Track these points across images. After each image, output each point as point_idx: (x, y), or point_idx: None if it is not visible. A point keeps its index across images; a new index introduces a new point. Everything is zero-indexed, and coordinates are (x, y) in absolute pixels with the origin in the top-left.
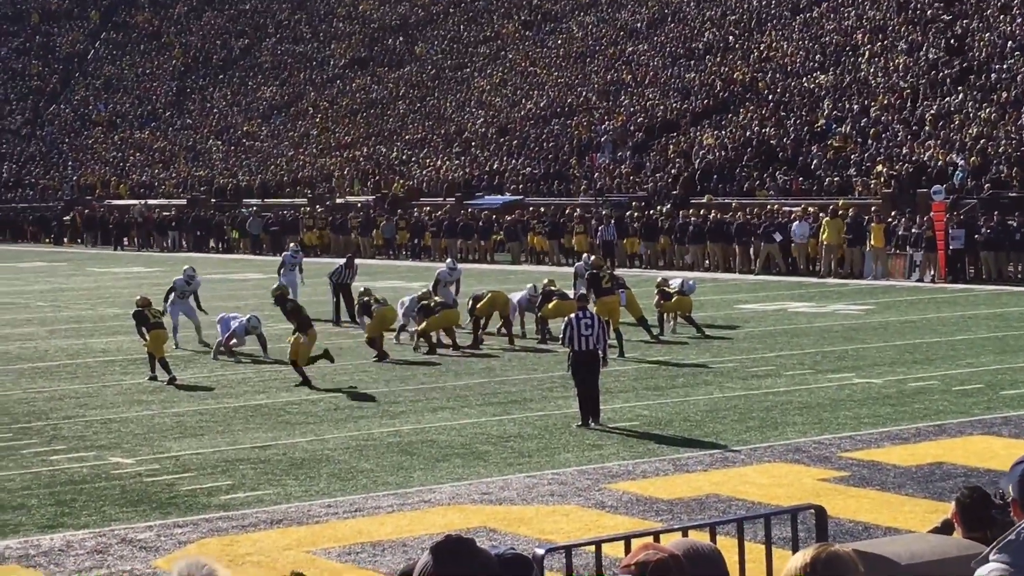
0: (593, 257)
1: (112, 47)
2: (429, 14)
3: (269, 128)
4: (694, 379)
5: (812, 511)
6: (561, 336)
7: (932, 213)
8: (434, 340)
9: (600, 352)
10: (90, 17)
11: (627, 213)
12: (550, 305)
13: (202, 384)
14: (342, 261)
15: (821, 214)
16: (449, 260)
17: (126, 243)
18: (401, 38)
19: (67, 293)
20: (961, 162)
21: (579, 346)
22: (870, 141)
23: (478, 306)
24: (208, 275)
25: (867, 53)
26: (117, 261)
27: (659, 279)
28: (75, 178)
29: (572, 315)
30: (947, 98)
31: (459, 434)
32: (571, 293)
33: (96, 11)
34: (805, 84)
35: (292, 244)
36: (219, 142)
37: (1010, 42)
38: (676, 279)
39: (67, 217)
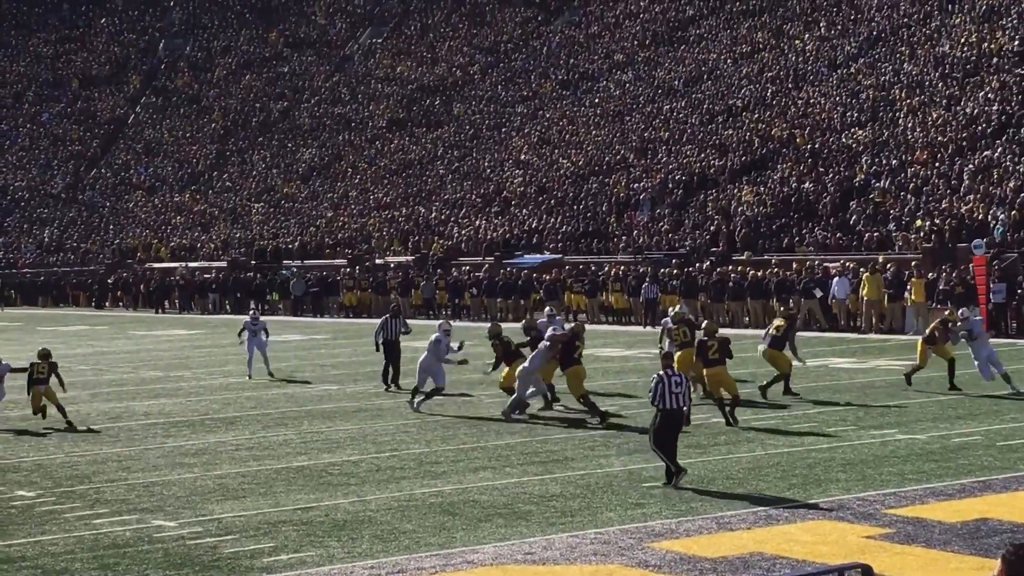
0: (706, 322)
1: (152, 111)
2: (466, 74)
3: (308, 189)
4: (736, 436)
5: (859, 570)
6: (651, 393)
7: (973, 267)
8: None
9: (686, 411)
10: (130, 82)
11: (662, 270)
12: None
13: (244, 446)
14: (385, 316)
15: (861, 269)
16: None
17: (167, 306)
18: (439, 99)
19: (109, 356)
20: (1001, 216)
21: (670, 404)
22: (909, 196)
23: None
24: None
25: (905, 108)
26: (158, 324)
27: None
28: (116, 241)
29: (662, 372)
30: (986, 152)
31: (501, 494)
32: (657, 350)
33: (136, 76)
34: (843, 140)
35: (252, 310)
36: (259, 204)
37: None
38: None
39: (109, 280)
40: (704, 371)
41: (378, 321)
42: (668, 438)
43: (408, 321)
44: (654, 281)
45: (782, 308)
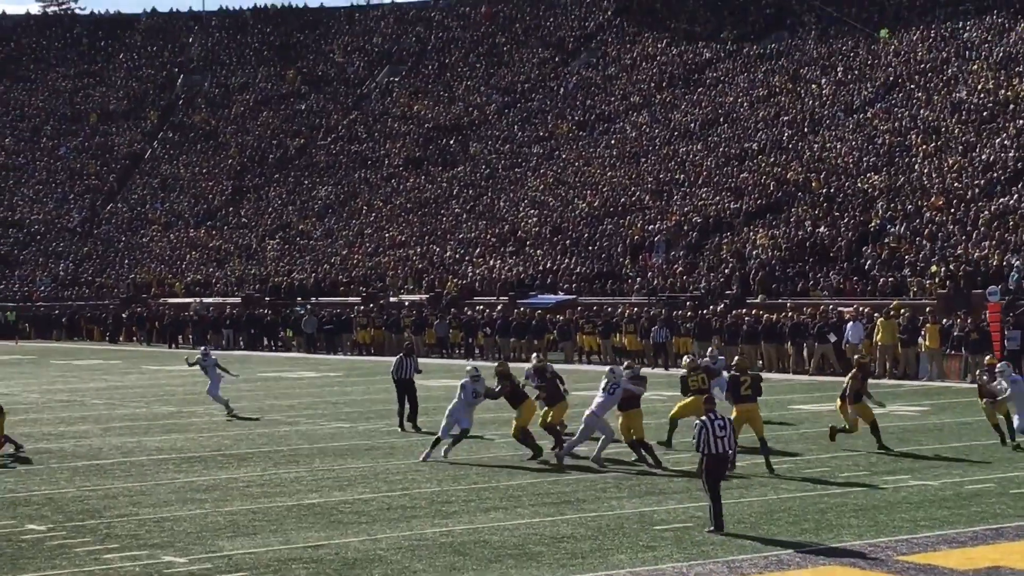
0: (737, 358)
1: (169, 147)
2: (483, 114)
3: (324, 227)
4: (748, 480)
5: None
6: (695, 439)
7: (988, 314)
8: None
9: (730, 455)
10: (148, 117)
11: (675, 312)
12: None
13: (255, 482)
14: (400, 355)
15: (875, 315)
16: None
17: (181, 341)
18: (455, 138)
19: (122, 391)
20: (1017, 263)
21: (715, 449)
22: (924, 241)
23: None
24: (262, 373)
25: (921, 154)
26: (172, 359)
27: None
28: (131, 276)
29: (705, 417)
30: (1002, 199)
31: (512, 534)
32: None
33: (154, 111)
34: (859, 184)
35: (204, 347)
36: (274, 240)
37: None
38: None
39: (124, 314)
40: (735, 407)
41: (393, 360)
42: (712, 483)
43: (420, 360)
44: (664, 324)
45: (856, 357)
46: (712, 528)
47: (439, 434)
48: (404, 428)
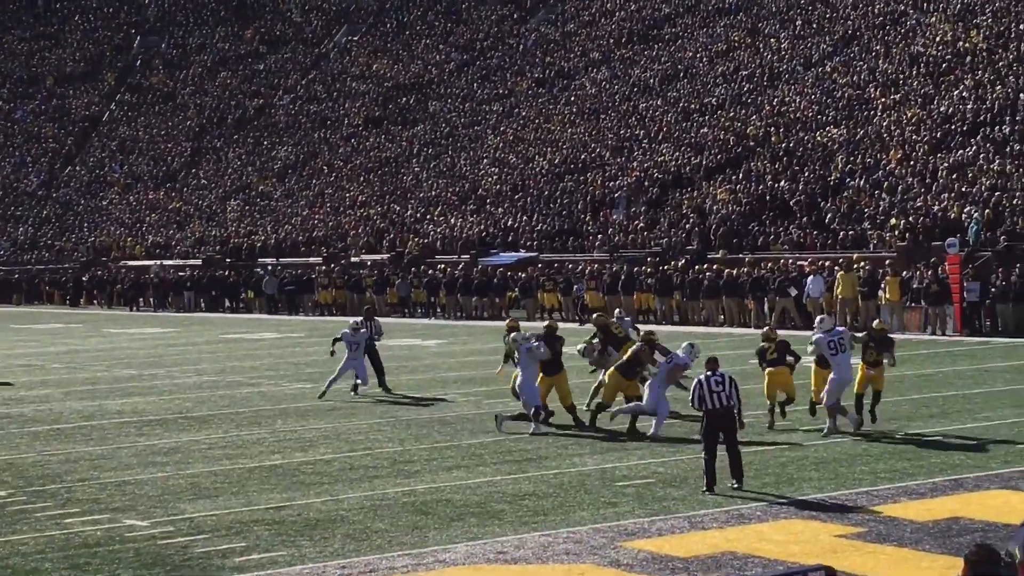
0: (765, 329)
1: (127, 108)
2: (442, 72)
3: (284, 187)
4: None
5: (822, 572)
6: (690, 398)
7: (947, 266)
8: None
9: (736, 410)
10: (105, 79)
11: (635, 268)
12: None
13: (217, 444)
14: (358, 319)
15: (836, 268)
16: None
17: (142, 304)
18: (414, 97)
19: (82, 355)
20: (975, 215)
21: (712, 404)
22: (884, 194)
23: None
24: (223, 335)
25: (880, 106)
26: (133, 322)
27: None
28: (91, 239)
29: (701, 376)
30: (960, 150)
31: (474, 493)
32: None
33: (111, 73)
34: (818, 138)
35: (357, 321)
36: (234, 202)
37: (1022, 94)
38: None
39: (84, 278)
40: (765, 372)
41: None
42: (710, 438)
43: (383, 320)
44: (580, 280)
45: (875, 323)
46: (706, 490)
47: (532, 409)
48: (387, 389)
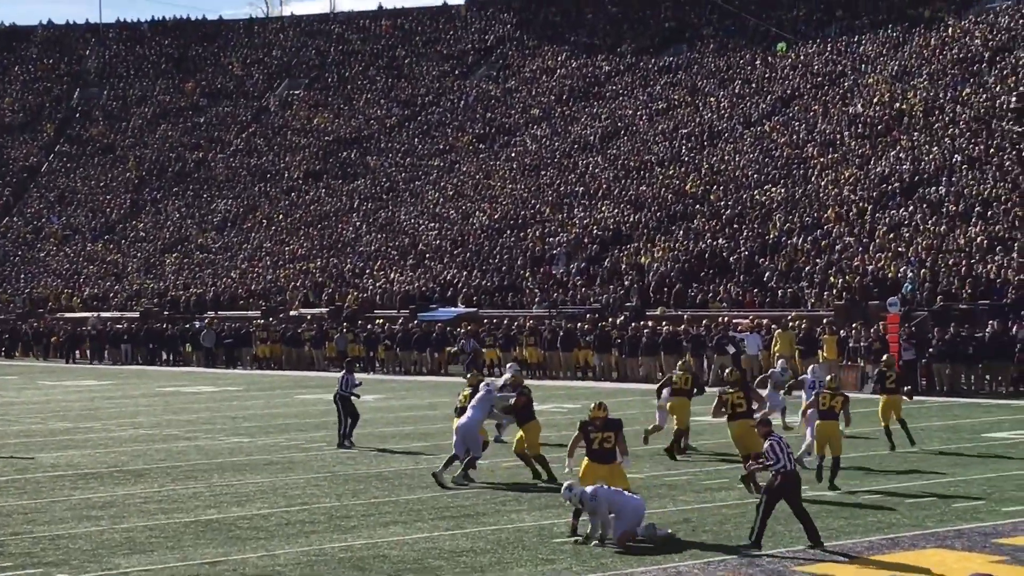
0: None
1: (66, 160)
2: (383, 127)
3: (223, 240)
4: (648, 492)
5: None
6: (768, 456)
7: (887, 324)
8: None
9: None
10: (45, 130)
11: (576, 324)
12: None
13: (152, 499)
14: (342, 372)
15: (773, 326)
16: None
17: (78, 356)
18: (355, 151)
19: (17, 407)
20: (911, 274)
21: (790, 465)
22: (821, 253)
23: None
24: (161, 388)
25: (818, 166)
26: (69, 374)
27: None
28: (27, 291)
29: (776, 437)
30: (896, 211)
31: (411, 549)
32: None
33: (51, 124)
34: (757, 196)
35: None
36: (173, 254)
37: (956, 156)
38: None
39: (20, 329)
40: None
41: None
42: (772, 502)
43: (321, 374)
44: (471, 336)
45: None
46: (750, 543)
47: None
48: (344, 444)
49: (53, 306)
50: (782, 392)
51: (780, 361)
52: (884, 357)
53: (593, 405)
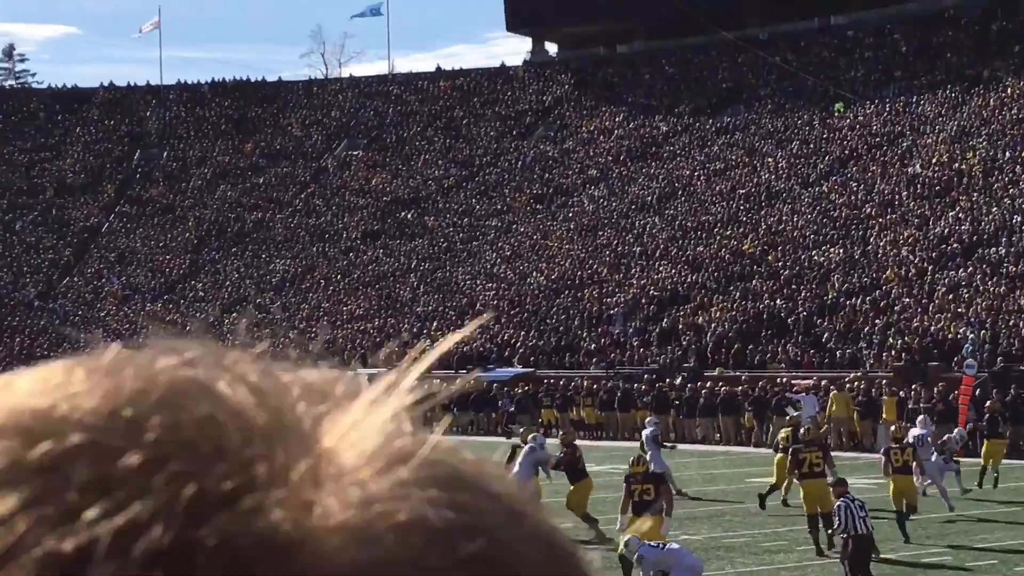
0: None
1: (126, 220)
2: (440, 187)
3: (281, 300)
4: (706, 554)
5: None
6: (838, 521)
7: (961, 387)
8: None
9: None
10: (105, 191)
11: (633, 385)
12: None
13: None
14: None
15: (830, 387)
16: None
17: None
18: (413, 211)
19: None
20: (971, 335)
21: (860, 529)
22: (881, 314)
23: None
24: None
25: (876, 226)
26: None
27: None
28: (87, 351)
29: (845, 500)
30: (956, 271)
31: None
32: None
33: (111, 184)
34: (815, 257)
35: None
36: (231, 314)
37: (1016, 216)
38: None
39: None
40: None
41: None
42: (861, 563)
43: None
44: (504, 396)
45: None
46: None
47: None
48: None
49: None
50: (939, 456)
51: (957, 430)
52: (987, 403)
53: (632, 460)
